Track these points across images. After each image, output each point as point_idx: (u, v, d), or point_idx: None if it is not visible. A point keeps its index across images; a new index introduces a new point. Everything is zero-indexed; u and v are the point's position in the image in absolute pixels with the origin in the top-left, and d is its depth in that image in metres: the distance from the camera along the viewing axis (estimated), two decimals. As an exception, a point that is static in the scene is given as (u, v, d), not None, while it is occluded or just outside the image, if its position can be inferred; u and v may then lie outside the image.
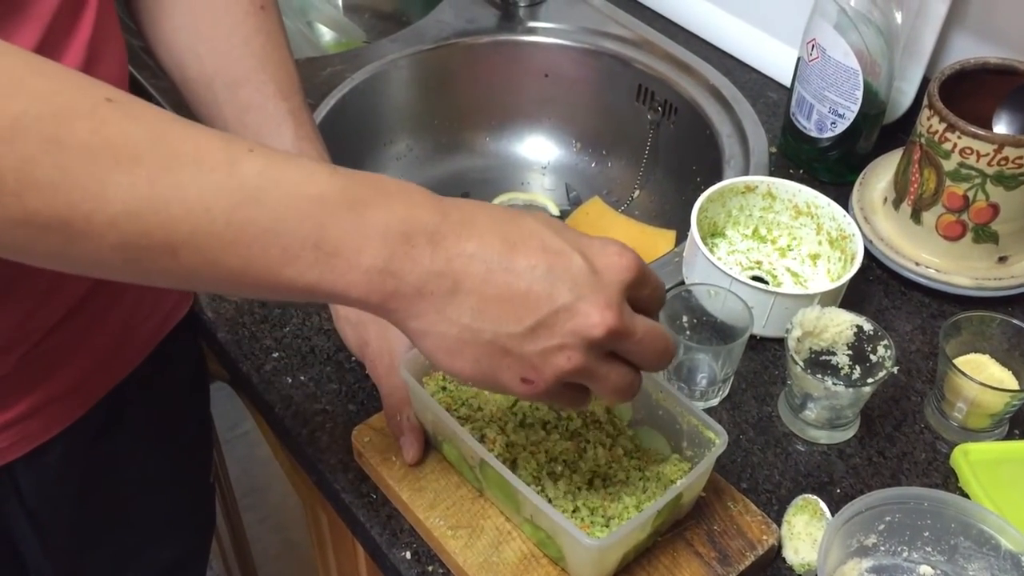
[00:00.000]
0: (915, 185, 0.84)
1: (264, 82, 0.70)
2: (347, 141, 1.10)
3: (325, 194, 0.45)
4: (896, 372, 0.76)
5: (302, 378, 0.78)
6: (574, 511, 0.63)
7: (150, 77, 1.05)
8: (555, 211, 1.18)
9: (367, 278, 0.46)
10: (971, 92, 0.83)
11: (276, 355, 0.79)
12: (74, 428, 0.71)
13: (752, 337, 0.79)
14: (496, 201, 1.18)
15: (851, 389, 0.71)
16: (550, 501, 0.63)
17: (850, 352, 0.75)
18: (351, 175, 0.47)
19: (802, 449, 0.74)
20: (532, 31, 1.18)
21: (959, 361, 0.74)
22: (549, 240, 0.48)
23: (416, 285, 0.46)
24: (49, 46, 0.57)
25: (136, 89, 1.03)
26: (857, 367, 0.75)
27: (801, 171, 0.99)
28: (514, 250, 0.47)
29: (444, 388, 0.69)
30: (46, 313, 0.65)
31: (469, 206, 0.49)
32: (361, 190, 0.46)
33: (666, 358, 0.52)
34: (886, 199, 0.90)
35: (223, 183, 0.44)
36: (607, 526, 0.62)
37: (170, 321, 0.79)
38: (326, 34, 1.39)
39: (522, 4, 1.20)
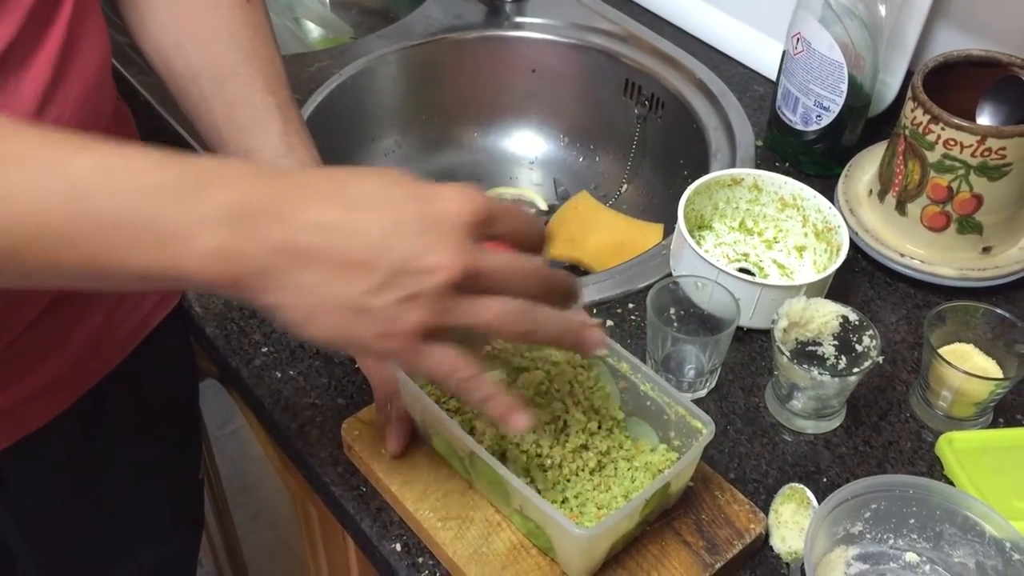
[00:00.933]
0: (900, 177, 0.85)
1: (252, 76, 0.70)
2: (335, 137, 1.10)
3: (159, 182, 0.46)
4: (881, 362, 0.77)
5: (291, 373, 0.78)
6: (563, 501, 0.63)
7: (137, 73, 1.04)
8: (543, 206, 1.18)
9: (210, 260, 0.46)
10: (955, 84, 0.84)
11: (265, 350, 0.79)
12: (56, 423, 0.71)
13: (739, 328, 0.79)
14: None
15: (837, 379, 0.72)
16: (539, 492, 0.63)
17: (836, 342, 0.75)
18: (187, 161, 0.47)
19: (789, 439, 0.75)
20: (519, 26, 1.18)
21: (944, 350, 0.74)
22: (388, 195, 0.48)
23: (261, 262, 0.46)
24: (27, 36, 0.57)
25: (123, 85, 1.03)
26: (843, 357, 0.75)
27: (787, 164, 1.00)
28: (354, 212, 0.47)
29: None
30: (26, 306, 0.65)
31: (308, 176, 0.50)
32: (196, 175, 0.46)
33: (539, 277, 0.51)
34: (871, 191, 0.90)
35: (53, 181, 0.44)
36: (596, 516, 0.63)
37: (154, 317, 0.79)
38: (313, 30, 1.39)
39: (508, -1, 1.20)
